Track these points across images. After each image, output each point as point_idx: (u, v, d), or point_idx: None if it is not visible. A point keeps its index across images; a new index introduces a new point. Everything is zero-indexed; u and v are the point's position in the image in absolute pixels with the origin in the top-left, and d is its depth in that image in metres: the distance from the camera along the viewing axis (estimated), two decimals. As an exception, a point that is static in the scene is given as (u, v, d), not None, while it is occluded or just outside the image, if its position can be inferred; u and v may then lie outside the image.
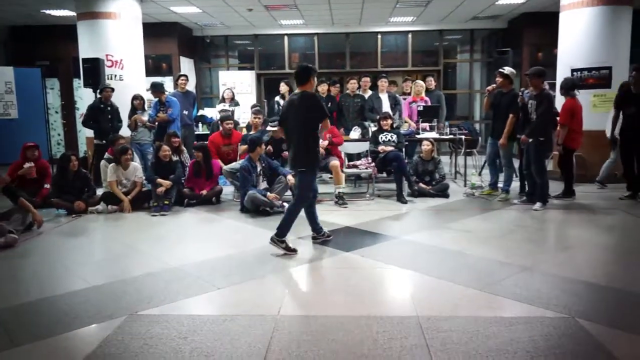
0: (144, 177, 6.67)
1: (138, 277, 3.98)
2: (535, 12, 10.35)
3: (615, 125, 6.53)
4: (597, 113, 7.62)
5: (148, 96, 8.41)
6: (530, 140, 6.04)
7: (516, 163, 7.27)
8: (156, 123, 7.83)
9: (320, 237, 4.88)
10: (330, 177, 7.20)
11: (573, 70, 8.05)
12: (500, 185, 6.79)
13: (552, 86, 8.56)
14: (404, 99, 8.57)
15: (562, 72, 8.27)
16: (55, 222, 5.98)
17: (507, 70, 6.56)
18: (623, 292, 3.49)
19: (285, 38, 12.32)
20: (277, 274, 4.00)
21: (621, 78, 7.92)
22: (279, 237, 4.51)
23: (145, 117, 7.82)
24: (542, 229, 5.45)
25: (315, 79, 4.63)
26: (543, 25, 9.98)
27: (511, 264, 4.15)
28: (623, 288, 3.56)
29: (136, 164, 6.77)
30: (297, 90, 4.55)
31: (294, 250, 4.50)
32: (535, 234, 5.19)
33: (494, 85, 6.65)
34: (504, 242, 4.84)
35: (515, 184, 6.97)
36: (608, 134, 6.94)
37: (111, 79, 8.47)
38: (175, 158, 6.85)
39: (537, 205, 6.09)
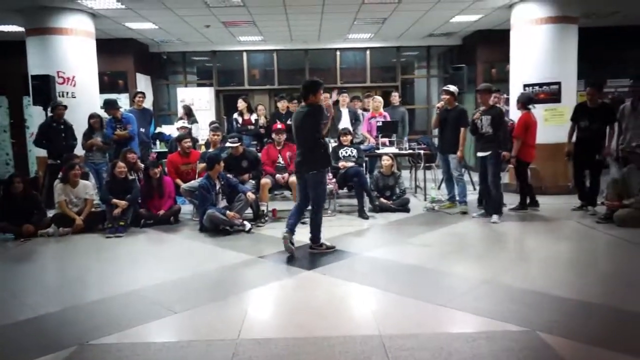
0: (95, 195, 6.42)
1: (90, 303, 3.79)
2: (488, 30, 10.67)
3: (571, 137, 6.73)
4: (549, 127, 7.87)
5: (104, 114, 8.15)
6: (489, 153, 6.17)
7: (475, 176, 7.43)
8: (113, 143, 7.57)
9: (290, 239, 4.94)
10: (291, 194, 7.12)
11: (525, 86, 8.31)
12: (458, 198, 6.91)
13: (507, 101, 8.85)
14: (365, 114, 8.63)
15: (515, 88, 8.54)
16: (2, 248, 5.67)
17: (452, 88, 6.79)
18: (579, 303, 3.55)
19: (244, 54, 12.26)
20: (237, 296, 3.89)
21: (570, 93, 8.26)
22: (315, 244, 5.04)
23: (99, 138, 7.53)
24: (500, 241, 5.54)
25: (322, 92, 4.98)
26: (496, 43, 10.28)
27: (471, 277, 4.18)
28: (579, 299, 3.63)
29: (87, 182, 6.53)
30: (303, 104, 4.94)
31: (333, 247, 5.07)
32: (494, 246, 5.26)
33: (442, 103, 6.86)
34: (464, 256, 4.89)
35: (473, 197, 7.07)
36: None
37: (63, 96, 8.16)
38: (132, 176, 6.65)
39: (495, 217, 6.20)
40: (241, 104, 8.50)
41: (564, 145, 6.89)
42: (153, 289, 4.06)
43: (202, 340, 3.09)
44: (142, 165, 6.92)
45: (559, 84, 8.17)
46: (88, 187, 6.44)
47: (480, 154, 6.36)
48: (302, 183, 5.03)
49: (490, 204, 6.32)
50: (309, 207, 5.06)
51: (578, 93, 8.73)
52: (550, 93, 8.14)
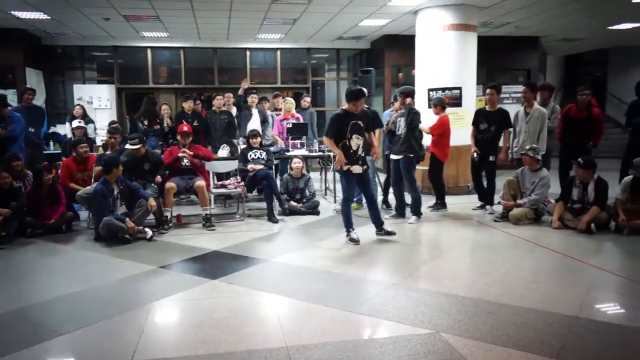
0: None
1: (-41, 328, 3.31)
2: (395, 35, 10.97)
3: (474, 140, 7.01)
4: (451, 129, 8.18)
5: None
6: (402, 156, 6.28)
7: (383, 178, 7.56)
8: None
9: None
10: (198, 198, 6.81)
11: (429, 90, 8.61)
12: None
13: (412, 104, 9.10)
14: (277, 114, 8.49)
15: (420, 91, 8.81)
16: None
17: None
18: (479, 302, 3.65)
19: (149, 51, 11.64)
20: (133, 311, 3.58)
21: (470, 97, 8.67)
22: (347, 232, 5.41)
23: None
24: (408, 242, 5.63)
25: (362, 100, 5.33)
26: (402, 47, 10.59)
27: (379, 281, 4.18)
28: (480, 297, 3.74)
29: None
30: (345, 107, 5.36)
31: (357, 241, 5.32)
32: (402, 248, 5.33)
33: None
34: (371, 259, 4.91)
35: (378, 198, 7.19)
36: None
37: None
38: (17, 184, 6.00)
39: (413, 218, 6.34)
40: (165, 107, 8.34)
41: (464, 147, 7.20)
42: (37, 308, 3.65)
43: (90, 364, 2.79)
44: (30, 172, 6.26)
45: (460, 88, 8.55)
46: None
47: (394, 157, 6.45)
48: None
49: (412, 206, 6.44)
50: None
51: (477, 98, 9.20)
52: (452, 97, 8.49)
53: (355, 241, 5.33)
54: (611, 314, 3.50)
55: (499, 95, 6.86)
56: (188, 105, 8.08)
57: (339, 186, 7.80)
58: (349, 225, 5.46)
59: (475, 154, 6.82)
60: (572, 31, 11.23)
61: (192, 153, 6.37)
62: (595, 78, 15.29)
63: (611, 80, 15.40)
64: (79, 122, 8.03)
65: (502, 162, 6.86)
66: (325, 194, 8.41)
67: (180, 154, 6.36)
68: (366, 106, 6.79)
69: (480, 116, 6.87)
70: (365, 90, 5.50)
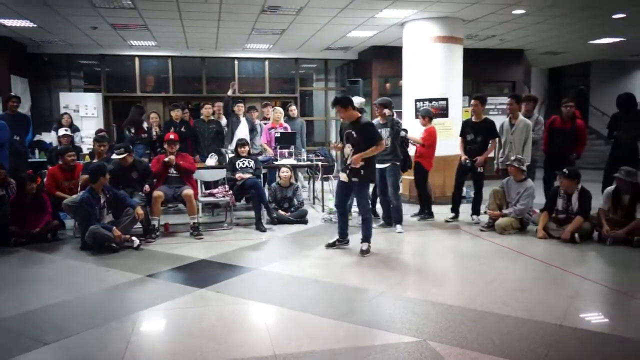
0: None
1: (-60, 339, 3.26)
2: (382, 46, 11.09)
3: (464, 151, 7.09)
4: (438, 140, 8.26)
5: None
6: (388, 165, 6.33)
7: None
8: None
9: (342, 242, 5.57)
10: (185, 207, 6.78)
11: (416, 101, 8.71)
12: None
13: (399, 114, 9.20)
14: (265, 123, 8.51)
15: (407, 102, 8.92)
16: None
17: (356, 101, 6.83)
18: (465, 310, 3.69)
19: (137, 59, 11.63)
20: (120, 321, 3.55)
21: (457, 108, 8.78)
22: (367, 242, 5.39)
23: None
24: (395, 251, 5.66)
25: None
26: (389, 58, 10.72)
27: (367, 289, 4.20)
28: (466, 305, 3.77)
29: None
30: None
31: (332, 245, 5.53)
32: (390, 257, 5.36)
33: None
34: (360, 268, 4.92)
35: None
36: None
37: None
38: (0, 192, 5.93)
39: (399, 227, 6.39)
40: (154, 115, 8.33)
41: (451, 157, 7.28)
42: (21, 318, 3.61)
43: (76, 374, 2.77)
44: (13, 181, 6.19)
45: (446, 99, 8.66)
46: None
47: (380, 166, 6.49)
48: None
49: (393, 215, 6.48)
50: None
51: (463, 109, 9.32)
52: (438, 108, 8.59)
53: (331, 245, 5.58)
54: (594, 322, 3.55)
55: (484, 106, 6.93)
56: (176, 113, 8.08)
57: (327, 195, 7.86)
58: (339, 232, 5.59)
59: (465, 161, 6.87)
60: (554, 45, 11.47)
61: (174, 158, 6.32)
62: (579, 91, 15.56)
63: (593, 92, 15.71)
64: (66, 130, 7.98)
65: (481, 166, 6.85)
66: (314, 203, 8.43)
67: (165, 159, 6.33)
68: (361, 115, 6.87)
69: (467, 127, 6.96)
70: (341, 98, 5.57)
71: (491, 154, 6.97)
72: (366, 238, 5.41)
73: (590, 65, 15.48)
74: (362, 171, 5.27)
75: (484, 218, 6.69)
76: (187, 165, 6.46)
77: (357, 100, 6.86)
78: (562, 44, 11.36)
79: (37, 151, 9.20)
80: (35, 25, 8.97)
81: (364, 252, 5.30)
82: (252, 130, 8.26)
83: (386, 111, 6.45)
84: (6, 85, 9.86)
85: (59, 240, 6.07)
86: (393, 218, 6.52)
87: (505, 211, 6.32)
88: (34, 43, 10.54)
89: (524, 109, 7.06)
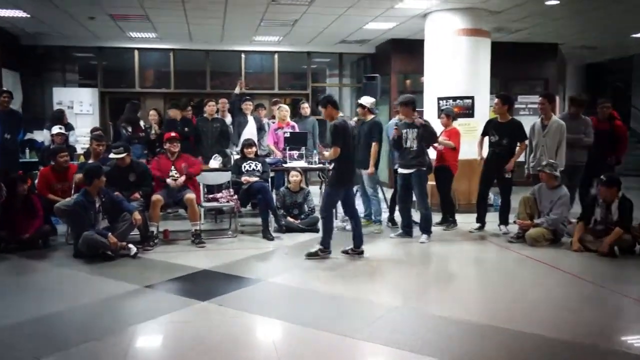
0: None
1: None
2: (402, 39, 11.10)
3: (481, 150, 7.10)
4: (462, 142, 8.24)
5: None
6: (414, 170, 6.33)
7: (388, 193, 7.60)
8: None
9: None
10: (186, 212, 6.84)
11: (439, 99, 8.70)
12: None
13: (420, 114, 9.19)
14: (274, 122, 8.56)
15: (429, 100, 8.91)
16: None
17: (365, 101, 6.96)
18: (490, 329, 3.68)
19: (136, 52, 11.76)
20: (116, 335, 3.59)
21: (483, 108, 8.75)
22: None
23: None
24: (414, 263, 5.67)
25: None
26: (410, 53, 10.71)
27: (383, 304, 4.21)
28: (491, 324, 3.76)
29: None
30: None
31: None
32: (408, 269, 5.37)
33: (356, 118, 7.09)
34: (374, 280, 4.94)
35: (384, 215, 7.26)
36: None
37: None
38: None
39: (424, 237, 6.37)
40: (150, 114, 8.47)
41: (477, 162, 7.25)
42: (9, 331, 3.67)
43: (69, 391, 2.81)
44: (1, 184, 6.29)
45: (472, 98, 8.64)
46: None
47: (403, 171, 6.50)
48: None
49: (421, 224, 6.48)
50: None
51: (490, 108, 9.28)
52: (463, 107, 8.58)
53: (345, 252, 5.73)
54: (634, 345, 3.52)
55: (507, 105, 6.81)
56: (173, 113, 8.14)
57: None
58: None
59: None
60: (590, 39, 11.38)
61: (181, 181, 6.37)
62: (614, 87, 15.37)
63: (636, 91, 15.52)
64: (60, 128, 8.05)
65: (510, 172, 6.82)
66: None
67: (168, 180, 6.37)
68: (372, 116, 6.94)
69: (490, 127, 6.93)
70: (321, 98, 5.86)
71: (521, 158, 6.93)
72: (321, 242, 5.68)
73: (632, 61, 15.30)
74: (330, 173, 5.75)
75: (513, 228, 6.65)
76: (194, 170, 6.52)
77: (367, 100, 6.96)
78: (599, 38, 11.26)
79: (27, 151, 9.34)
80: (28, 16, 9.12)
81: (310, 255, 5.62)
82: (260, 129, 8.31)
83: (410, 111, 6.44)
84: (-3, 80, 10.03)
85: (51, 246, 6.15)
86: (420, 227, 6.51)
87: (536, 221, 6.28)
88: (27, 34, 10.71)
89: (570, 111, 7.01)
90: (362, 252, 5.67)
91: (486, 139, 7.03)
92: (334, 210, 6.31)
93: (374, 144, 6.74)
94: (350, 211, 5.86)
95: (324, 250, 5.63)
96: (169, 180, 6.36)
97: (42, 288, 4.78)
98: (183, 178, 6.40)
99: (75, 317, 3.97)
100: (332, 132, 5.57)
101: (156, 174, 6.46)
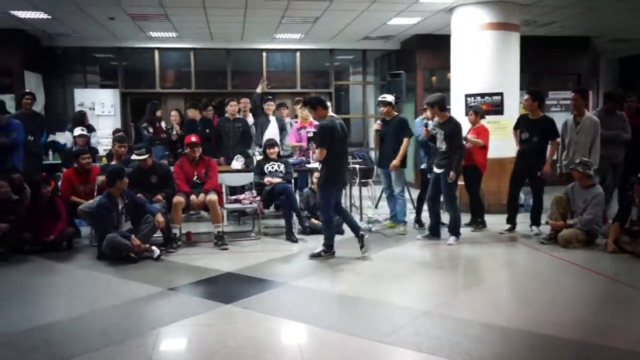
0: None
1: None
2: (428, 35, 11.04)
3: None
4: (492, 140, 8.16)
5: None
6: (443, 170, 6.30)
7: (414, 193, 7.58)
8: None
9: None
10: (209, 214, 6.92)
11: (467, 96, 8.64)
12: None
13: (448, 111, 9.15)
14: (296, 122, 8.60)
15: (457, 97, 8.85)
16: None
17: (389, 97, 7.00)
18: (523, 333, 3.66)
19: (156, 52, 11.92)
20: (141, 337, 3.67)
21: (513, 104, 8.66)
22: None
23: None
24: (443, 266, 5.64)
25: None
26: (436, 48, 10.64)
27: (412, 308, 4.20)
28: (524, 328, 3.74)
29: None
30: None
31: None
32: (436, 272, 5.35)
33: (379, 121, 7.13)
34: (401, 284, 4.93)
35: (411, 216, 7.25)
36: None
37: None
38: (15, 197, 6.19)
39: (452, 239, 6.34)
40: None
41: (507, 160, 7.20)
42: (32, 333, 3.75)
43: (95, 394, 2.88)
44: (27, 186, 6.44)
45: (501, 94, 8.56)
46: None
47: (437, 171, 6.46)
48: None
49: (450, 225, 6.45)
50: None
51: (520, 105, 9.18)
52: (492, 104, 8.50)
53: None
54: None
55: (537, 102, 6.72)
56: (192, 113, 8.23)
57: (365, 202, 7.88)
58: None
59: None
60: (624, 31, 11.15)
61: (201, 201, 6.39)
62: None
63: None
64: (82, 129, 8.20)
65: (548, 176, 6.76)
66: (351, 211, 8.44)
67: (193, 199, 6.37)
68: (395, 113, 6.97)
69: (521, 124, 6.87)
70: (310, 99, 6.01)
71: (553, 156, 6.84)
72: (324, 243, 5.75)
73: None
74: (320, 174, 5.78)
75: (545, 229, 6.58)
76: (212, 185, 6.56)
77: (390, 97, 6.98)
78: (634, 30, 11.03)
79: (50, 152, 9.53)
80: (49, 17, 9.33)
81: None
82: (282, 129, 8.36)
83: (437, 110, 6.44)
84: (20, 82, 10.26)
85: (74, 248, 6.30)
86: (448, 228, 6.48)
87: (570, 221, 6.20)
88: (48, 36, 10.94)
89: (604, 107, 6.95)
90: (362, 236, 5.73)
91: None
92: (337, 212, 6.23)
93: (405, 139, 6.80)
94: (337, 209, 5.96)
95: (327, 251, 5.70)
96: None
97: (66, 290, 4.89)
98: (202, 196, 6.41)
99: (99, 320, 4.05)
100: (319, 133, 5.62)
101: (178, 183, 6.49)
